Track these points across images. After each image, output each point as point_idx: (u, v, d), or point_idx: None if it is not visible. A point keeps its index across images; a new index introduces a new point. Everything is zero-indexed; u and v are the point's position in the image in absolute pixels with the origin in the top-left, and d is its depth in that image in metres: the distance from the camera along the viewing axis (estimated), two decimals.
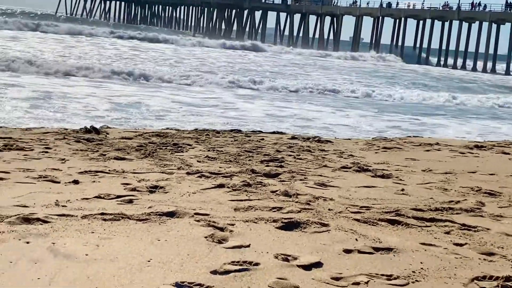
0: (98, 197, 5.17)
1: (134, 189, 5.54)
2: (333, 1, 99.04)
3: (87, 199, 5.09)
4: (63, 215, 4.51)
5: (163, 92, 19.86)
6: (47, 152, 7.24)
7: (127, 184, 5.75)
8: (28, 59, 24.38)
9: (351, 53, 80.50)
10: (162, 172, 6.47)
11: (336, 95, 25.96)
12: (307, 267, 3.77)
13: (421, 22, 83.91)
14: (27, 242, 3.89)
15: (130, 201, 5.10)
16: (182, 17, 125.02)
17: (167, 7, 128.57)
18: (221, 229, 4.40)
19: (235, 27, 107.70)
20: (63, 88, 17.28)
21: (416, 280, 3.69)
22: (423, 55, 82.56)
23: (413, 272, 3.82)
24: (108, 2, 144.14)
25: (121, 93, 18.18)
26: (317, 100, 22.79)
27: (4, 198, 4.89)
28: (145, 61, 34.86)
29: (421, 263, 4.00)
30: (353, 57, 76.22)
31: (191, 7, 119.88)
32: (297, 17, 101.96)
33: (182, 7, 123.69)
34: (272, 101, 20.71)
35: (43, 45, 39.23)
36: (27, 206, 4.69)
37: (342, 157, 8.51)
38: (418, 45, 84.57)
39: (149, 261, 3.71)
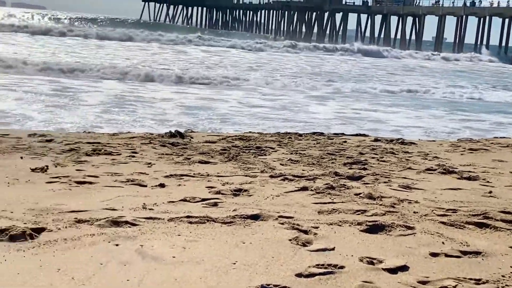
0: (184, 200, 5.26)
1: (218, 192, 5.61)
2: (415, 1, 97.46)
3: (173, 202, 5.18)
4: (151, 218, 4.61)
5: (236, 95, 19.90)
6: (134, 156, 7.43)
7: (212, 187, 5.83)
8: (109, 66, 25.05)
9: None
10: (246, 175, 6.53)
11: (411, 96, 25.36)
12: (393, 271, 3.73)
13: (506, 20, 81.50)
14: (117, 245, 4.00)
15: (215, 204, 5.17)
16: (262, 21, 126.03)
17: (248, 11, 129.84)
18: (305, 232, 4.41)
19: (315, 30, 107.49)
20: (139, 93, 17.58)
21: (506, 285, 3.60)
22: (510, 54, 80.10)
23: (503, 276, 3.73)
24: (190, 8, 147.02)
25: (196, 96, 18.30)
26: (391, 101, 22.34)
27: (94, 202, 5.04)
28: (226, 66, 35.20)
29: (511, 267, 3.90)
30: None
31: (271, 11, 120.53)
32: (378, 18, 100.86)
33: (263, 11, 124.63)
34: (345, 102, 20.44)
35: (127, 53, 40.15)
36: (115, 209, 4.81)
37: (426, 159, 8.38)
38: (503, 44, 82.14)
39: (234, 263, 3.75)
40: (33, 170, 6.15)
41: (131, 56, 36.68)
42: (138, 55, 38.90)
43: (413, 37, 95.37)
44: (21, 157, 6.88)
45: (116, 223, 4.42)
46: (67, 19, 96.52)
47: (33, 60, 24.99)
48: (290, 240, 4.23)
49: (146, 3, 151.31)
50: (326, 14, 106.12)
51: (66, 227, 4.30)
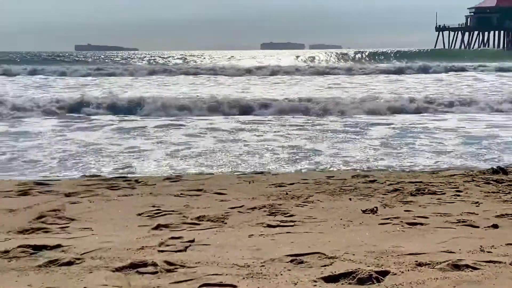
0: None
1: None
2: None
3: (511, 244, 5.00)
4: (491, 261, 4.50)
5: None
6: (458, 195, 7.31)
7: None
8: (399, 98, 24.37)
9: None
10: None
11: None
12: None
13: None
14: None
15: None
16: None
17: None
18: None
19: None
20: (426, 124, 16.86)
21: None
22: None
23: None
24: (486, 33, 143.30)
25: (487, 123, 17.07)
26: None
27: (430, 244, 5.04)
28: None
29: None
30: None
31: None
32: None
33: None
34: None
35: (421, 85, 39.31)
36: (453, 252, 4.77)
37: None
38: None
39: None
40: (363, 211, 6.36)
41: (424, 88, 35.83)
42: (430, 85, 37.84)
43: None
44: (350, 198, 7.16)
45: (456, 266, 4.39)
46: (357, 54, 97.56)
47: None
48: None
49: (440, 32, 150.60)
50: None
51: (408, 270, 4.36)
